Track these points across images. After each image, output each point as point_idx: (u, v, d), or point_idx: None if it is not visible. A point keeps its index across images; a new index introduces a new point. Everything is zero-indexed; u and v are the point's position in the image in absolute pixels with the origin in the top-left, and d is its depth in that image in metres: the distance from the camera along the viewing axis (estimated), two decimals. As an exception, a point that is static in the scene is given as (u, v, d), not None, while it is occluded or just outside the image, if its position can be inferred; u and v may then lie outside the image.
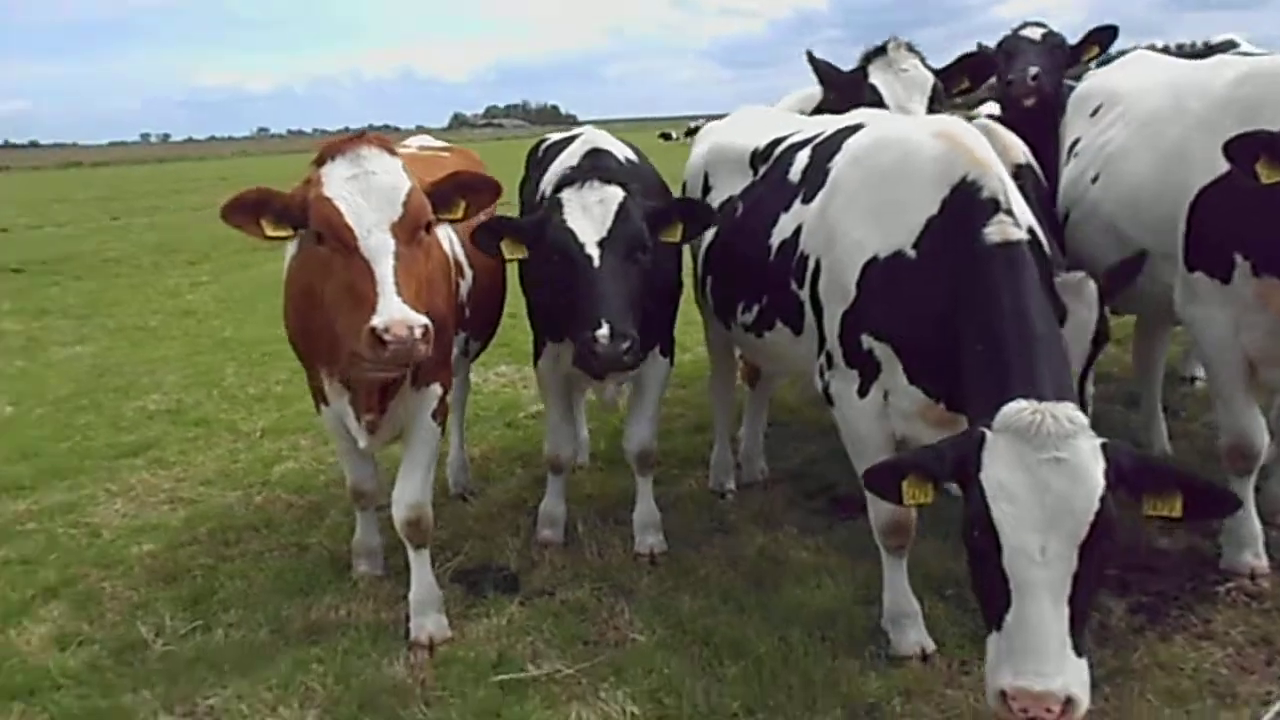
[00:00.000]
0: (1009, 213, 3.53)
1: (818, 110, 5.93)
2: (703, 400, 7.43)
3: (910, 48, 5.70)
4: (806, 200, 4.28)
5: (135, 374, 9.83)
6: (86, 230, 24.84)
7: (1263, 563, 4.58)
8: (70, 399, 9.01)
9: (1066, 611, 2.88)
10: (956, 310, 3.49)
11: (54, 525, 6.10)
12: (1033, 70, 5.81)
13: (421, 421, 4.52)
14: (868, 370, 3.94)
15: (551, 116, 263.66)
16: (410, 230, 3.73)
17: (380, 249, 3.61)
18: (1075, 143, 5.58)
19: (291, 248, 4.43)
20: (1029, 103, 5.84)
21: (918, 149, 3.84)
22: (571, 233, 4.28)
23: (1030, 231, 3.65)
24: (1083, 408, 3.14)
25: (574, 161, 4.78)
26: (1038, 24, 6.09)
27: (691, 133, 62.02)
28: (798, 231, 4.29)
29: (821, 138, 4.49)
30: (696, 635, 4.40)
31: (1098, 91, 5.66)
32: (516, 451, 6.97)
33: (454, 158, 5.70)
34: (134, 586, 5.22)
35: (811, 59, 5.93)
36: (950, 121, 4.09)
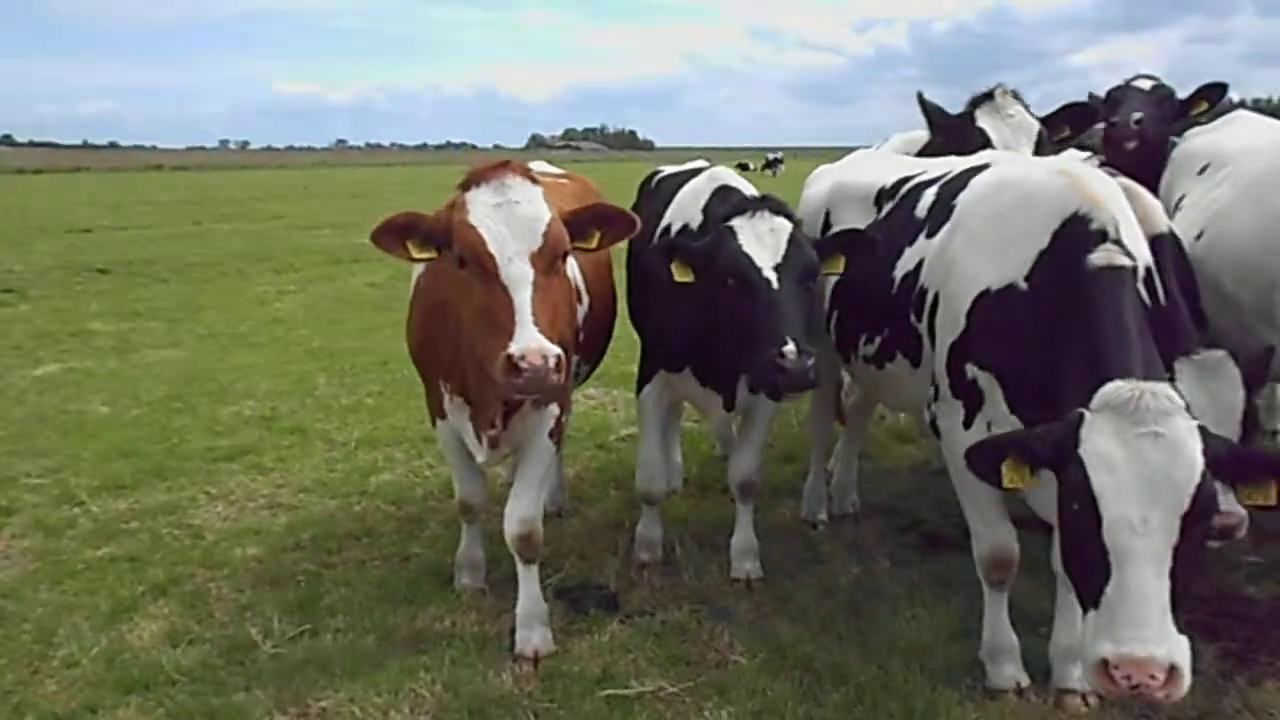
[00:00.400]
0: (1117, 243, 3.57)
1: (922, 153, 5.97)
2: (790, 431, 7.49)
3: (1016, 95, 5.75)
4: (930, 235, 4.36)
5: (228, 379, 10.00)
6: (169, 234, 25.13)
7: None
8: (164, 401, 9.16)
9: (1168, 584, 2.87)
10: (1059, 335, 3.53)
11: (157, 525, 6.21)
12: (1136, 115, 5.91)
13: (539, 440, 4.61)
14: (971, 401, 3.99)
15: (628, 141, 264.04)
16: (549, 260, 3.82)
17: (519, 278, 3.70)
18: (1181, 199, 5.60)
19: (419, 265, 4.53)
20: (1130, 146, 5.92)
21: (1036, 186, 3.91)
22: (749, 257, 4.33)
23: (1148, 271, 3.70)
24: None
25: (706, 198, 4.90)
26: (1149, 76, 6.19)
27: (770, 165, 62.09)
28: (920, 265, 4.37)
29: (949, 176, 4.57)
30: (797, 660, 4.45)
31: (1205, 151, 5.70)
32: (609, 473, 7.05)
33: (573, 185, 5.78)
34: (240, 588, 5.32)
35: (922, 101, 5.97)
36: (1074, 163, 4.15)
